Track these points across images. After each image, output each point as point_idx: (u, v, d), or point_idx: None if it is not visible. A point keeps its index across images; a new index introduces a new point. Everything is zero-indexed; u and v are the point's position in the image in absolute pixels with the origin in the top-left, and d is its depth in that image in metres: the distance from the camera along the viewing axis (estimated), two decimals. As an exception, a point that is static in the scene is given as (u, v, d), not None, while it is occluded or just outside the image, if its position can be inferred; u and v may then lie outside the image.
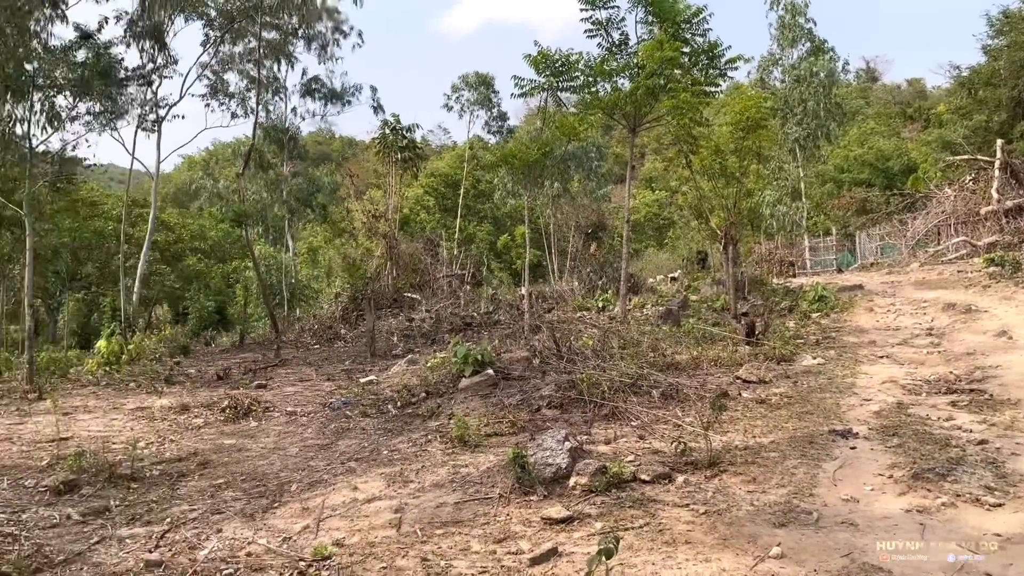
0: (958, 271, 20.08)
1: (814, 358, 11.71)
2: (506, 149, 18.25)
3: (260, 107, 36.92)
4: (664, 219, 59.94)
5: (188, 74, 32.93)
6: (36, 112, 14.36)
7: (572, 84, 16.59)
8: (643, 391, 9.56)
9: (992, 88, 36.54)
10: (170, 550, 5.87)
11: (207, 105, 33.88)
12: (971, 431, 7.51)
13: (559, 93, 17.14)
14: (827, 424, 8.08)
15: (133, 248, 32.50)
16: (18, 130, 14.48)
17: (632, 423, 8.40)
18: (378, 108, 36.76)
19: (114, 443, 9.47)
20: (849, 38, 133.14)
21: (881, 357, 11.77)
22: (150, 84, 19.51)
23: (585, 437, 8.05)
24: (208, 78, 33.46)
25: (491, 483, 6.91)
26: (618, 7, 17.34)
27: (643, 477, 6.57)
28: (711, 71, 17.74)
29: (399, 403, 10.59)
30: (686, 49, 17.53)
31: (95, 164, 19.37)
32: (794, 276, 36.83)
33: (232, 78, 33.81)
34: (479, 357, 10.77)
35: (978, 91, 38.01)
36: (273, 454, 8.85)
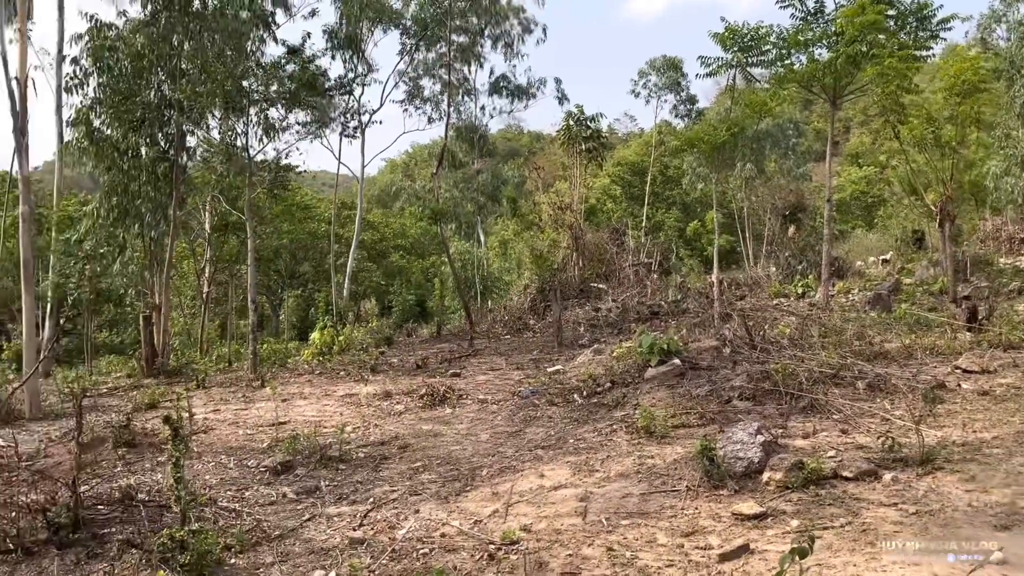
0: None
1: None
2: (691, 132, 17.70)
3: (452, 108, 38.62)
4: (873, 197, 55.61)
5: (387, 81, 34.96)
6: (253, 125, 16.00)
7: (762, 59, 15.77)
8: (846, 382, 8.93)
9: None
10: (372, 528, 6.26)
11: (405, 110, 35.78)
12: None
13: (749, 69, 16.30)
14: (1065, 420, 7.13)
15: (343, 247, 35.02)
16: (238, 142, 16.15)
17: (833, 416, 7.87)
18: (562, 99, 36.94)
19: (325, 427, 10.24)
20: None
21: None
22: (350, 92, 20.96)
23: (780, 430, 7.65)
24: (405, 84, 35.34)
25: (678, 475, 6.76)
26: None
27: (845, 474, 6.14)
28: (920, 33, 16.21)
29: (585, 392, 10.63)
30: (891, 12, 16.15)
31: (305, 171, 21.19)
32: (1027, 255, 32.87)
33: (427, 83, 35.45)
34: (665, 346, 10.55)
35: None
36: (466, 440, 9.20)
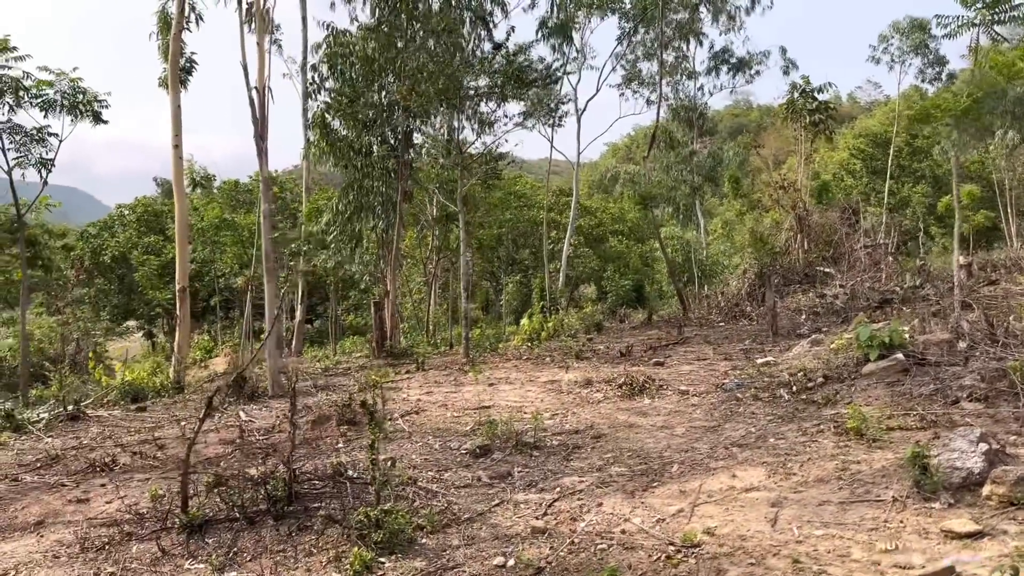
0: None
1: None
2: (929, 100, 15.93)
3: (670, 89, 37.73)
4: None
5: (604, 67, 34.87)
6: (466, 119, 16.69)
7: (1013, 15, 13.81)
8: (1107, 386, 7.63)
9: None
10: (555, 519, 6.36)
11: (621, 94, 35.52)
12: None
13: (995, 28, 14.32)
14: None
15: (560, 233, 35.64)
16: (454, 137, 16.94)
17: (1085, 426, 6.77)
18: (788, 69, 34.70)
19: (525, 412, 10.52)
20: None
21: None
22: (555, 82, 21.15)
23: (1015, 438, 6.72)
24: (623, 68, 35.05)
25: (884, 484, 6.16)
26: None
27: (1088, 494, 5.26)
28: None
29: (794, 387, 9.99)
30: None
31: (520, 160, 21.75)
32: None
33: (644, 65, 34.89)
34: (887, 339, 9.62)
35: None
36: (660, 432, 9.03)
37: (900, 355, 9.41)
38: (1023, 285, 18.22)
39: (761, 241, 23.51)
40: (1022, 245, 36.50)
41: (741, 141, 59.63)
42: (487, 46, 19.33)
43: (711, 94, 37.48)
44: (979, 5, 13.74)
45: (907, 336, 11.20)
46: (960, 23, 14.23)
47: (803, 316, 17.62)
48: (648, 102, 35.23)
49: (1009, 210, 42.12)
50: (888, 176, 46.53)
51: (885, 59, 39.58)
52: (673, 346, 16.23)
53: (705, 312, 22.91)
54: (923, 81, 39.24)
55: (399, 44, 17.88)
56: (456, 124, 16.50)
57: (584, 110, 30.88)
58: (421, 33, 16.70)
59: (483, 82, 16.50)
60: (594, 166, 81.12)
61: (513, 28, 17.95)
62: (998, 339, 9.68)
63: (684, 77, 36.21)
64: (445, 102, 15.83)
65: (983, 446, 5.87)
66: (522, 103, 18.69)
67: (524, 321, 18.19)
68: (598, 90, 34.37)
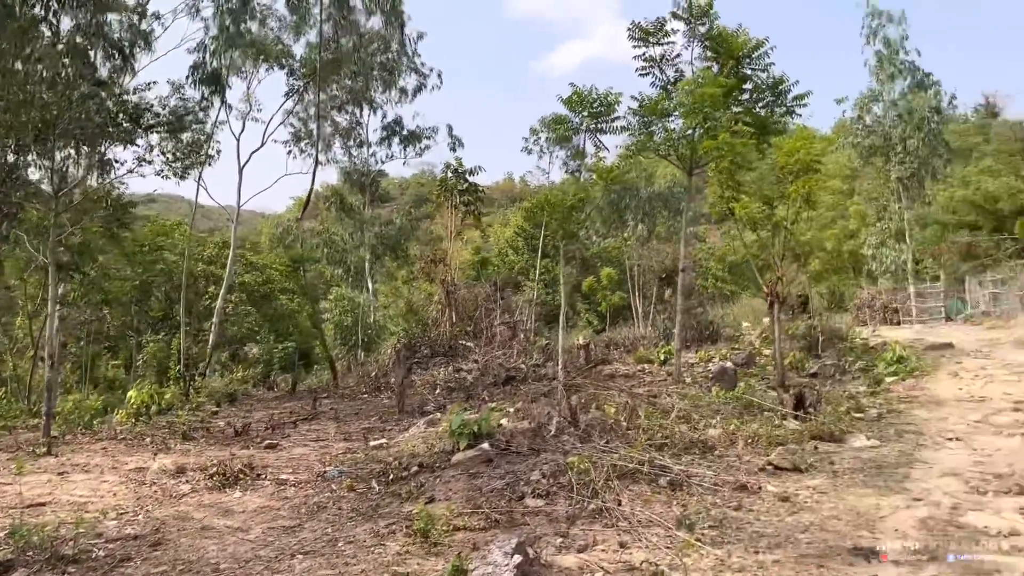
0: (1071, 329, 17.62)
1: (868, 439, 10.07)
2: (540, 195, 17.37)
3: (343, 153, 37.66)
4: (762, 261, 57.14)
5: (271, 120, 33.81)
6: (73, 160, 14.65)
7: (612, 125, 15.62)
8: (649, 478, 8.32)
9: None
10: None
11: (289, 152, 34.63)
12: (1034, 557, 5.95)
13: (599, 136, 16.11)
14: (854, 537, 6.64)
15: (220, 289, 33.22)
16: (45, 177, 14.83)
17: (620, 524, 7.19)
18: (455, 146, 36.52)
19: (88, 511, 8.96)
20: (965, 71, 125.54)
21: (951, 439, 10.00)
22: (183, 129, 19.69)
23: (561, 540, 6.91)
24: (292, 126, 34.27)
25: (423, 602, 5.90)
26: (673, 43, 16.33)
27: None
28: (777, 108, 16.41)
29: (390, 477, 9.71)
30: (748, 85, 16.31)
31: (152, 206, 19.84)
32: (898, 324, 34.07)
33: (314, 126, 34.44)
34: (477, 427, 9.78)
35: None
36: (233, 536, 8.10)
37: (486, 444, 9.58)
38: (630, 366, 20.35)
39: (412, 312, 23.81)
40: (647, 324, 41.32)
41: (417, 211, 61.49)
42: (128, 79, 17.48)
43: (383, 162, 38.17)
44: (584, 113, 15.30)
45: (505, 422, 11.59)
46: (567, 127, 15.71)
47: (438, 391, 17.86)
48: (317, 162, 34.75)
49: (637, 292, 47.92)
50: (541, 254, 50.82)
51: (536, 149, 43.63)
52: (301, 422, 15.40)
53: (356, 382, 22.45)
54: (567, 172, 43.78)
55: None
56: (56, 163, 14.36)
57: (247, 162, 29.51)
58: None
59: (99, 119, 14.65)
60: (280, 220, 78.31)
61: (154, 82, 16.38)
62: (579, 427, 10.29)
63: (355, 144, 36.43)
64: (37, 137, 13.73)
65: (517, 558, 5.85)
66: (149, 146, 17.02)
67: (131, 392, 16.15)
68: (263, 143, 33.19)
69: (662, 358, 19.74)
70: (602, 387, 14.68)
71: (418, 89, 35.99)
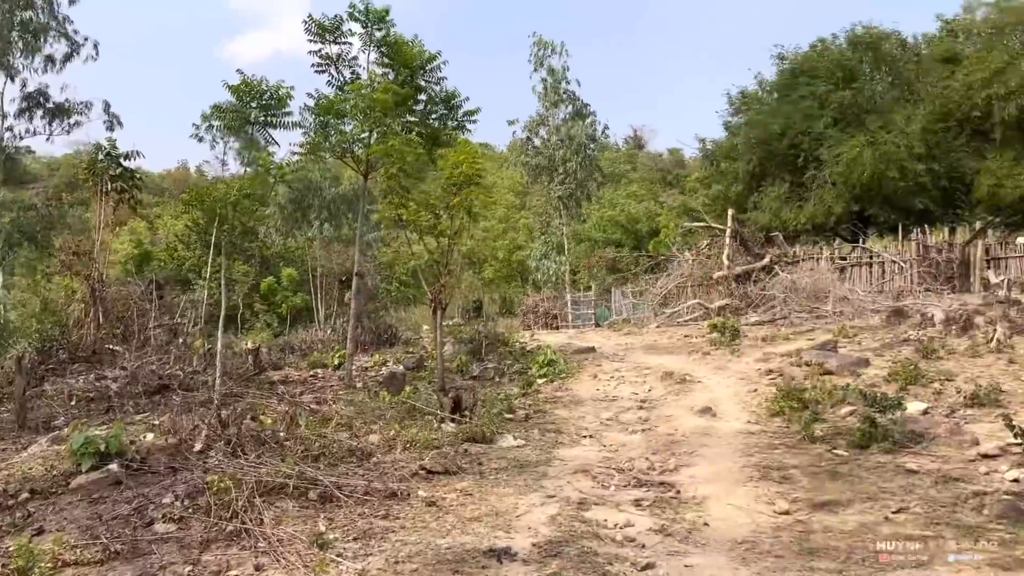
0: (684, 335, 20.59)
1: (515, 439, 10.74)
2: (193, 191, 16.20)
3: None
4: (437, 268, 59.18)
5: None
6: None
7: (284, 120, 15.04)
8: (298, 492, 7.95)
9: (731, 161, 39.62)
10: None
11: None
12: (643, 546, 6.65)
13: (269, 130, 15.39)
14: (491, 537, 6.91)
15: None
16: None
17: (259, 545, 6.73)
18: (113, 125, 32.65)
19: None
20: (620, 105, 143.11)
21: (585, 437, 11.04)
22: None
23: (190, 569, 6.28)
24: None
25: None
26: (350, 44, 16.12)
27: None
28: (449, 122, 16.96)
29: (-10, 509, 8.16)
30: (422, 96, 16.65)
31: None
32: (557, 328, 37.27)
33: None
34: (103, 446, 8.63)
35: (719, 163, 41.12)
36: None
37: (114, 465, 8.50)
38: (303, 371, 19.67)
39: (49, 311, 20.76)
40: (328, 328, 40.54)
41: (71, 196, 54.19)
42: None
43: (21, 137, 32.93)
44: (254, 105, 14.52)
45: (151, 437, 10.48)
46: (235, 118, 14.79)
47: (73, 402, 15.67)
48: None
49: (319, 294, 46.92)
50: (216, 251, 47.63)
51: (208, 138, 40.75)
52: None
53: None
54: (243, 164, 41.57)
55: None
56: None
57: None
58: None
59: None
60: None
61: None
62: (231, 441, 9.58)
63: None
64: None
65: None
66: None
67: None
68: None
69: (336, 363, 19.39)
70: (265, 395, 13.96)
71: (68, 57, 31.69)
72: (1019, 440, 8.14)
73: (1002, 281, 19.06)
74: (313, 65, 15.69)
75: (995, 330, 13.15)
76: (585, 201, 43.69)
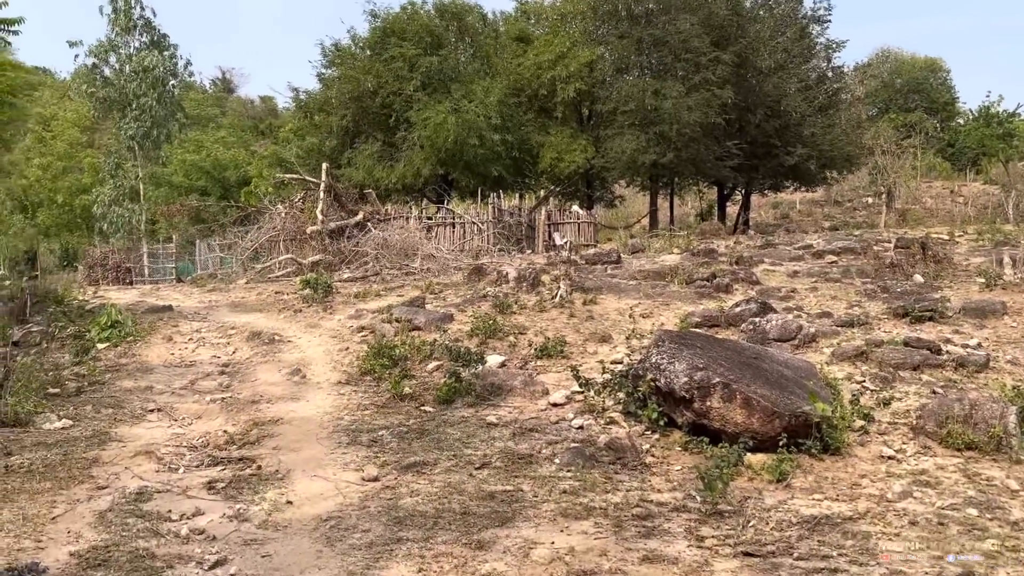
0: (275, 292, 19.53)
1: (61, 418, 8.87)
2: None
3: None
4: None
5: None
6: None
7: None
8: None
9: (326, 114, 38.84)
10: None
11: None
12: (214, 539, 5.75)
13: None
14: (14, 551, 5.41)
15: None
16: None
17: None
18: None
19: None
20: (210, 43, 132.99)
21: (152, 411, 9.56)
22: None
23: None
24: None
25: None
26: None
27: None
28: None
29: None
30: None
31: None
32: (131, 284, 33.19)
33: None
34: None
35: (314, 116, 40.06)
36: None
37: None
38: None
39: None
40: None
41: None
42: None
43: None
44: None
45: None
46: None
47: None
48: None
49: None
50: None
51: None
52: None
53: None
54: None
55: None
56: None
57: None
58: None
59: None
60: None
61: None
62: None
63: None
64: None
65: None
66: None
67: None
68: None
69: None
70: None
71: None
72: (582, 389, 8.94)
73: (565, 244, 21.46)
74: None
75: (559, 287, 14.60)
76: (165, 143, 39.39)
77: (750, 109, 35.33)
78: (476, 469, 7.08)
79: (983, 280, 15.08)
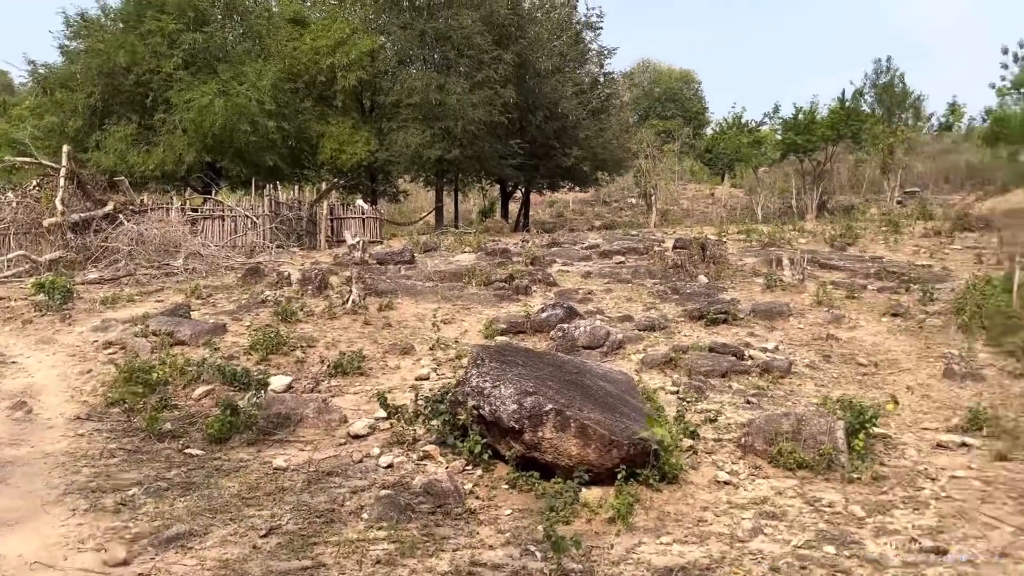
0: (0, 298, 16.18)
1: None
2: None
3: None
4: None
5: None
6: None
7: None
8: None
9: (70, 91, 33.93)
10: None
11: None
12: None
13: None
14: None
15: None
16: None
17: None
18: None
19: None
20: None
21: None
22: None
23: None
24: None
25: None
26: None
27: None
28: None
29: None
30: None
31: None
32: None
33: None
34: None
35: (55, 92, 34.88)
36: None
37: None
38: None
39: None
40: None
41: None
42: None
43: None
44: None
45: None
46: None
47: None
48: None
49: None
50: None
51: None
52: None
53: None
54: None
55: None
56: None
57: None
58: None
59: None
60: None
61: None
62: None
63: None
64: None
65: None
66: None
67: None
68: None
69: None
70: None
71: None
72: (388, 415, 7.70)
73: (357, 242, 19.86)
74: None
75: (351, 291, 13.13)
76: None
77: (531, 110, 35.81)
78: (262, 537, 5.57)
79: (763, 281, 15.75)
